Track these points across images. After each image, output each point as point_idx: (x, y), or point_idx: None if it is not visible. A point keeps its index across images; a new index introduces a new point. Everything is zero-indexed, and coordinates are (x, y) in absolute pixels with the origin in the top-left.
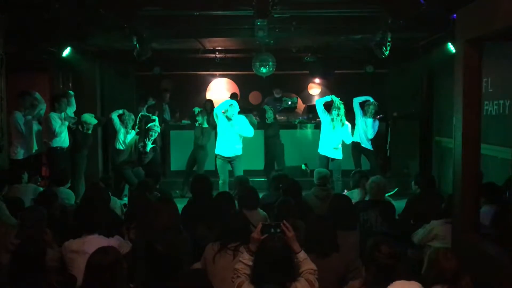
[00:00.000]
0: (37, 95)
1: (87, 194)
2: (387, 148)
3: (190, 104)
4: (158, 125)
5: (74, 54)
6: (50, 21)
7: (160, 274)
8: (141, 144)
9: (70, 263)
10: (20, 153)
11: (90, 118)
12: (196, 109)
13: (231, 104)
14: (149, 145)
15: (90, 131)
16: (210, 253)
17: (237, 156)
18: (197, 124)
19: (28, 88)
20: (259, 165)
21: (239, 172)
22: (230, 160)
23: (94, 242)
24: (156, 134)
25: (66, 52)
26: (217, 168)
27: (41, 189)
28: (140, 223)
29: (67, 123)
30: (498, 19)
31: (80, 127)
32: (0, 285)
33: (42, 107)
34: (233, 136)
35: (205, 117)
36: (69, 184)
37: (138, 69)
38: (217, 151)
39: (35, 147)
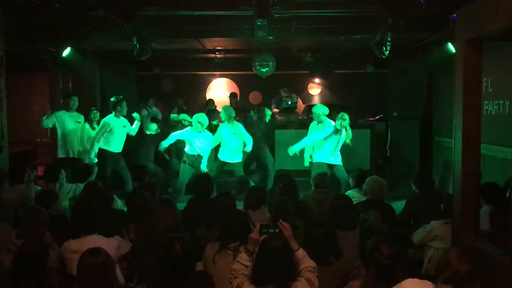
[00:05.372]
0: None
1: (85, 194)
2: (387, 148)
3: (190, 104)
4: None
5: (74, 54)
6: (50, 21)
7: (174, 274)
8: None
9: (69, 263)
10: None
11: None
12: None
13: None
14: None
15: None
16: (210, 253)
17: None
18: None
19: (28, 88)
20: None
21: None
22: None
23: (93, 242)
24: None
25: (66, 52)
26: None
27: (39, 188)
28: (139, 223)
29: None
30: (498, 19)
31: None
32: (1, 285)
33: None
34: None
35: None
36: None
37: (138, 69)
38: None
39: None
